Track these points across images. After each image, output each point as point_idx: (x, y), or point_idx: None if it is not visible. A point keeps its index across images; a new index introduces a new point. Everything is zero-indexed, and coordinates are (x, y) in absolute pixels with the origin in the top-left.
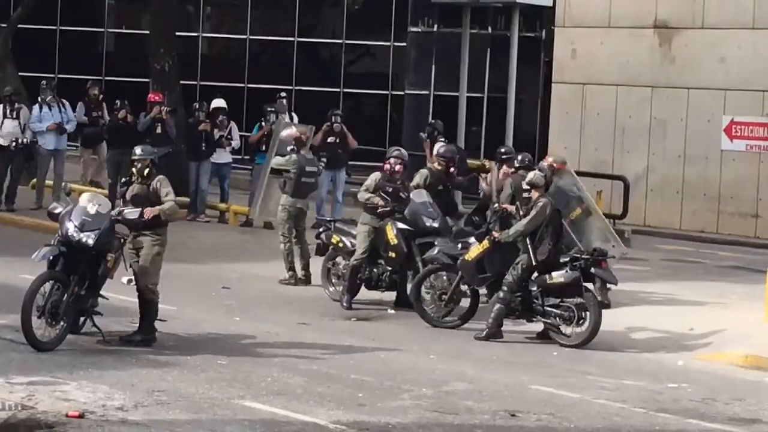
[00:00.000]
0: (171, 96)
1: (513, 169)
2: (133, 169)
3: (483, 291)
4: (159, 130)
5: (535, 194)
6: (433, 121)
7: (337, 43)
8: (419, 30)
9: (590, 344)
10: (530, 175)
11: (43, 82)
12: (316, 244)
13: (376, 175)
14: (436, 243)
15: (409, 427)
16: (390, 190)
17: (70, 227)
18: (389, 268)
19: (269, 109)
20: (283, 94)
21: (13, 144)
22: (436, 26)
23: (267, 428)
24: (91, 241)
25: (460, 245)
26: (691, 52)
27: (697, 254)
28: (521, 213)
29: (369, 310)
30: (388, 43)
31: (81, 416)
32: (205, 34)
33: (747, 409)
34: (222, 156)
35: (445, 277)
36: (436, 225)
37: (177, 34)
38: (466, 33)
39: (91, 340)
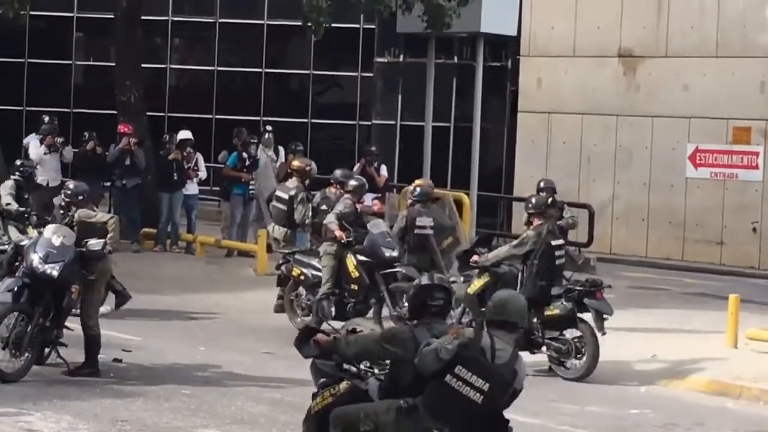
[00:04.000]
0: (137, 127)
1: (410, 201)
2: (63, 204)
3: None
4: (128, 161)
5: (531, 224)
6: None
7: (305, 74)
8: (385, 60)
9: (552, 371)
10: (530, 204)
11: (45, 117)
12: (276, 276)
13: (348, 203)
14: (398, 268)
15: None
16: (352, 219)
17: (35, 258)
18: (353, 300)
19: (251, 141)
20: (269, 127)
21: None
22: (402, 56)
23: None
24: (55, 273)
25: (462, 278)
26: (655, 81)
27: (662, 281)
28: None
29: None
30: (355, 74)
31: None
32: (173, 66)
33: None
34: (189, 187)
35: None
36: (395, 254)
37: (145, 65)
38: (431, 63)
39: (56, 371)
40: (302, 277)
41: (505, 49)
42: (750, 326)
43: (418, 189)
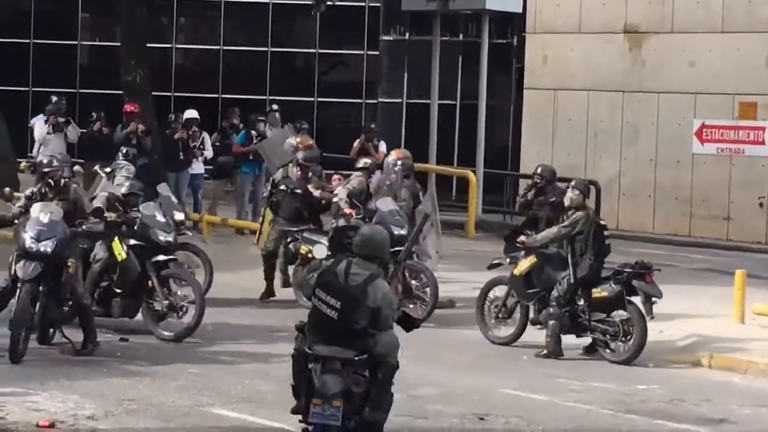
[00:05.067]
0: (143, 107)
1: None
2: (50, 181)
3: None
4: (134, 141)
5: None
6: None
7: (310, 53)
8: (391, 39)
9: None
10: (569, 197)
11: (53, 97)
12: (283, 254)
13: (360, 180)
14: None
15: None
16: (363, 197)
17: (27, 239)
18: None
19: (259, 119)
20: (275, 106)
21: None
22: (407, 34)
23: None
24: (49, 249)
25: (508, 259)
26: (661, 57)
27: (669, 257)
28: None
29: None
30: (361, 52)
31: (51, 426)
32: (178, 45)
33: (715, 409)
34: (195, 167)
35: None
36: (404, 233)
37: (150, 45)
38: (436, 41)
39: (62, 351)
40: (310, 255)
41: (510, 26)
42: (757, 301)
43: (400, 163)
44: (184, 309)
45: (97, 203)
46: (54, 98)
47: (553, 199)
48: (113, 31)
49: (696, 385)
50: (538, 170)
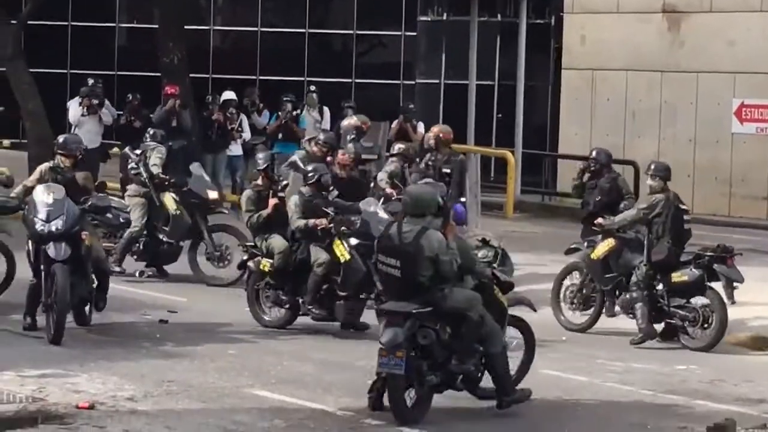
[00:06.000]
0: (180, 89)
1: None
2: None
3: None
4: (174, 123)
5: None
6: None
7: (348, 34)
8: (428, 19)
9: (599, 329)
10: (648, 185)
11: (90, 80)
12: None
13: (396, 165)
14: None
15: None
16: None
17: (37, 223)
18: None
19: (285, 99)
20: (313, 88)
21: None
22: (445, 15)
23: (275, 416)
24: (61, 225)
25: (586, 243)
26: (699, 36)
27: (708, 238)
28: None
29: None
30: (399, 33)
31: (91, 407)
32: (216, 27)
33: (755, 390)
34: (233, 148)
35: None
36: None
37: (188, 27)
38: (474, 21)
39: (101, 332)
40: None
41: (548, 6)
42: None
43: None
44: None
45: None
46: (90, 80)
47: (608, 184)
48: (151, 13)
49: (736, 366)
50: (593, 154)
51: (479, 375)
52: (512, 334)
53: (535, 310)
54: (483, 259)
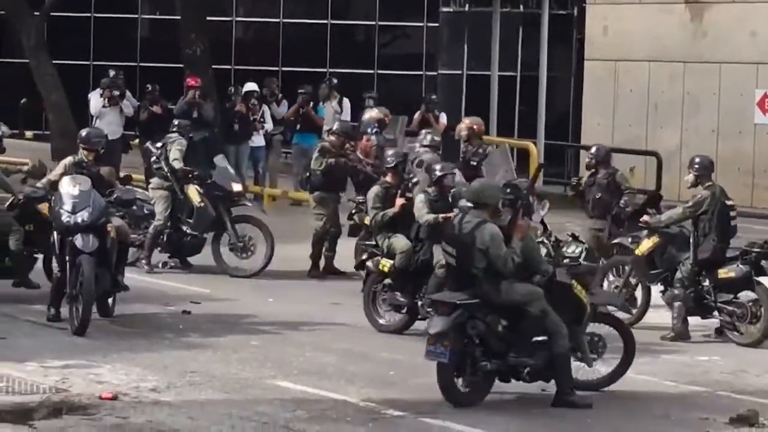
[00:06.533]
0: (203, 81)
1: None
2: (84, 155)
3: None
4: (195, 114)
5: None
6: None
7: (370, 25)
8: (451, 10)
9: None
10: (686, 179)
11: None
12: (348, 225)
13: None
14: None
15: (439, 403)
16: None
17: (63, 214)
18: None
19: (300, 90)
20: (329, 79)
21: None
22: (467, 5)
23: (298, 406)
24: (87, 217)
25: (630, 239)
26: (722, 27)
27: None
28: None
29: None
30: (421, 24)
31: (114, 398)
32: (238, 19)
33: None
34: (255, 139)
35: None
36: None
37: (211, 19)
38: (497, 11)
39: (124, 323)
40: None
41: None
42: None
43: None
44: None
45: None
46: (111, 72)
47: (605, 180)
48: (173, 5)
49: (760, 358)
50: (593, 150)
51: (547, 370)
52: (603, 332)
53: (629, 313)
54: (570, 255)
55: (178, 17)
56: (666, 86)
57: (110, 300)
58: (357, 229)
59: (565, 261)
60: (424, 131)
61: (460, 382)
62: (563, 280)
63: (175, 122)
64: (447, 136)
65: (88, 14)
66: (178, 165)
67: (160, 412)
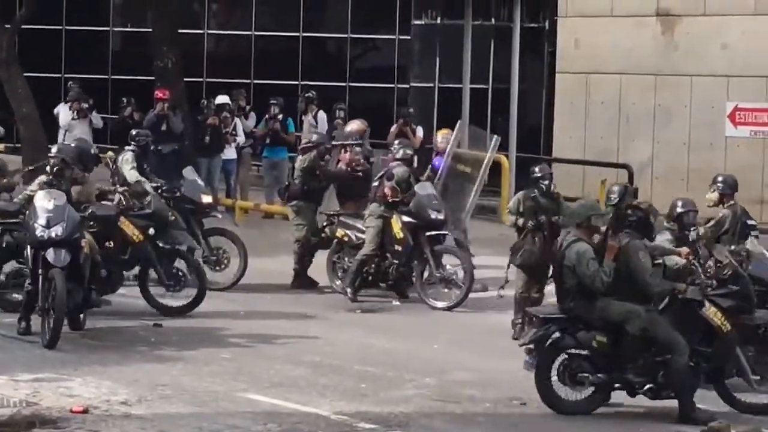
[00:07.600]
0: (174, 93)
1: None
2: (48, 168)
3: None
4: (164, 127)
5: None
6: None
7: (342, 38)
8: (423, 23)
9: None
10: (707, 197)
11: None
12: (320, 238)
13: (404, 169)
14: (447, 233)
15: (411, 416)
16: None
17: (38, 228)
18: (396, 262)
19: (272, 101)
20: (309, 93)
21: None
22: (439, 18)
23: (269, 420)
24: (60, 232)
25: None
26: (693, 40)
27: None
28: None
29: (374, 302)
30: (393, 36)
31: (85, 411)
32: (210, 31)
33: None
34: (227, 152)
35: None
36: (441, 217)
37: (182, 31)
38: (468, 24)
39: (95, 337)
40: (346, 239)
41: (542, 10)
42: None
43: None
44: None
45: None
46: (70, 83)
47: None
48: (145, 17)
49: None
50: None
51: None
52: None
53: None
54: (723, 277)
55: (150, 30)
56: (637, 99)
57: (81, 315)
58: (328, 242)
59: (709, 282)
60: (396, 144)
61: (565, 390)
62: (692, 297)
63: (133, 132)
64: (423, 149)
65: (60, 27)
66: (134, 177)
67: (130, 425)
